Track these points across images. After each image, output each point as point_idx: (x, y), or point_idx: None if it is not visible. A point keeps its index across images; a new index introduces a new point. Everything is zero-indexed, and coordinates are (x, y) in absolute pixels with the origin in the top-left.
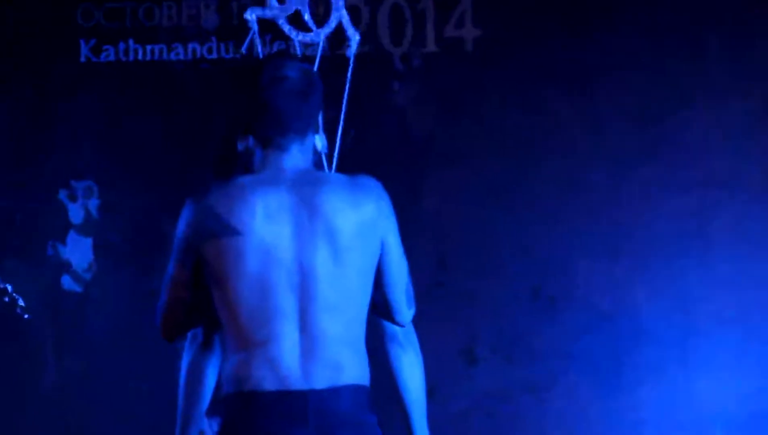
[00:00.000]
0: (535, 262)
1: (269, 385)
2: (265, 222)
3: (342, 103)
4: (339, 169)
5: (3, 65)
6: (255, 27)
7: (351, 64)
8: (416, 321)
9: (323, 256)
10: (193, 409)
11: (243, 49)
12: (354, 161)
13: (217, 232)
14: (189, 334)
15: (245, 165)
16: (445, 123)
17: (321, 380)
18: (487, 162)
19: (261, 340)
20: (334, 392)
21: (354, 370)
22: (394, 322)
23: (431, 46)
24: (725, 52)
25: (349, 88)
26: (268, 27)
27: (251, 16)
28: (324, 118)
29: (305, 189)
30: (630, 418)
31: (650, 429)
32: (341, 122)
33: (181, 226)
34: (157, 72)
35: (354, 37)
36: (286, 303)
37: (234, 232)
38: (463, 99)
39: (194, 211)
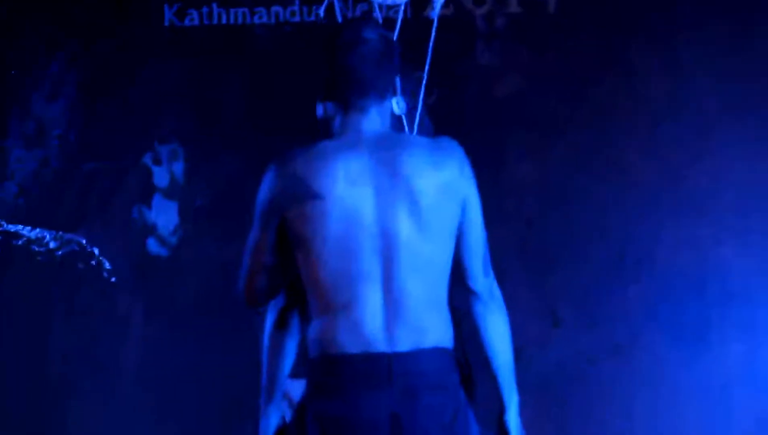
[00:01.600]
0: (620, 223)
1: (353, 348)
2: (347, 185)
3: (425, 65)
4: (420, 132)
5: (88, 31)
6: None
7: (434, 26)
8: (501, 283)
9: (404, 218)
10: (277, 371)
11: (321, 12)
12: (437, 123)
13: (300, 196)
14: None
15: (325, 129)
16: (528, 84)
17: (405, 343)
18: (570, 123)
19: (344, 304)
20: (418, 355)
21: (437, 332)
22: (468, 289)
23: (514, 7)
24: None
25: (432, 50)
26: None
27: None
28: (408, 81)
29: (386, 152)
30: (717, 379)
31: (737, 390)
32: (423, 86)
33: (264, 190)
34: (240, 36)
35: None
36: (369, 266)
37: (316, 196)
38: (545, 59)
39: (277, 176)
